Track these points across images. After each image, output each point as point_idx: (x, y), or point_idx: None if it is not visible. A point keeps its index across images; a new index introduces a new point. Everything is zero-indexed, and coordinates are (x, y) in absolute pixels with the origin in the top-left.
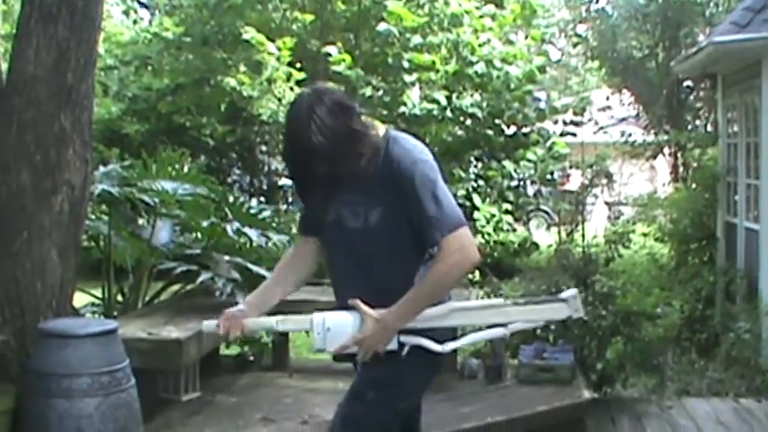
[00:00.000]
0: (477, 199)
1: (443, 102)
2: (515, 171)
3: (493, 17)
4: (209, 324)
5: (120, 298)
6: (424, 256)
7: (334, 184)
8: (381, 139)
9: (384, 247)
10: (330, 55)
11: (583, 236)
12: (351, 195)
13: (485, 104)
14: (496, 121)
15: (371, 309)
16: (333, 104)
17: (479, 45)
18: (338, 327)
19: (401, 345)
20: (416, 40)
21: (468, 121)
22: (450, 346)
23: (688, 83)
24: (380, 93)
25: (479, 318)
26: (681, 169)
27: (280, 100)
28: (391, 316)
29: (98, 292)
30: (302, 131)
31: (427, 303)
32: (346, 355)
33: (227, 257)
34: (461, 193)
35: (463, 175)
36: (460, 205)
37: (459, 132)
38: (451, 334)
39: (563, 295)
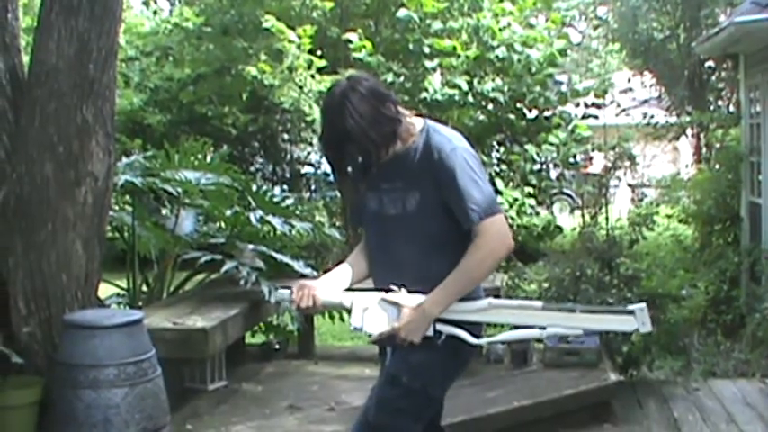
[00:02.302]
0: (499, 183)
1: (465, 87)
2: (538, 155)
3: (513, 1)
4: (282, 292)
5: (144, 288)
6: (461, 243)
7: (366, 169)
8: (418, 129)
9: (421, 234)
10: (351, 42)
11: (606, 218)
12: (390, 183)
13: (506, 89)
14: (518, 106)
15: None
16: (366, 91)
17: (500, 29)
18: (377, 310)
19: (437, 333)
20: (437, 25)
21: (490, 106)
22: (485, 339)
23: (710, 63)
24: (402, 79)
25: (519, 318)
26: (704, 150)
27: (301, 88)
28: (428, 303)
29: (123, 283)
30: (336, 116)
31: (465, 289)
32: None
33: (251, 246)
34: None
35: (486, 159)
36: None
37: (481, 117)
38: (479, 327)
39: (631, 307)
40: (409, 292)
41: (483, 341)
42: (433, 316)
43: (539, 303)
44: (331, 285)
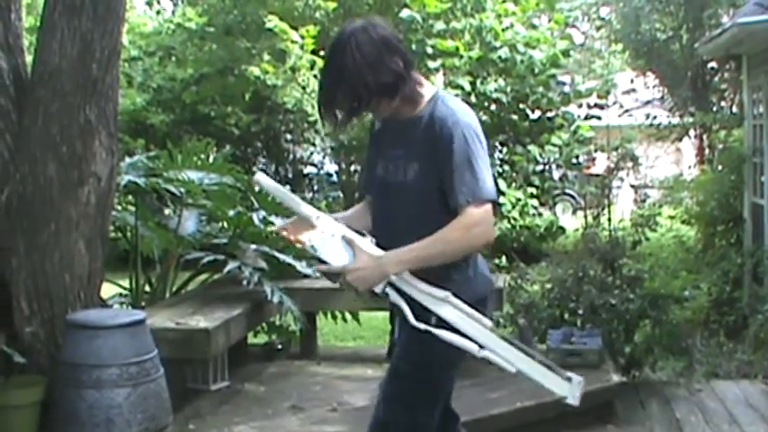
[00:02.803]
0: (502, 184)
1: (467, 87)
2: (540, 155)
3: (516, 2)
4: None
5: (147, 288)
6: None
7: (351, 115)
8: (427, 97)
9: (416, 204)
10: None
11: (609, 219)
12: (395, 150)
13: (509, 89)
14: (521, 106)
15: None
16: (377, 36)
17: (503, 30)
18: (339, 244)
19: (384, 292)
20: (440, 26)
21: (493, 107)
22: (424, 326)
23: (712, 64)
24: None
25: (466, 326)
26: (706, 151)
27: (304, 88)
28: (387, 259)
29: (126, 283)
30: (337, 51)
31: (429, 260)
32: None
33: (253, 246)
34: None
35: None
36: None
37: (484, 117)
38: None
39: (570, 375)
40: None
41: (421, 326)
42: (387, 273)
43: (489, 323)
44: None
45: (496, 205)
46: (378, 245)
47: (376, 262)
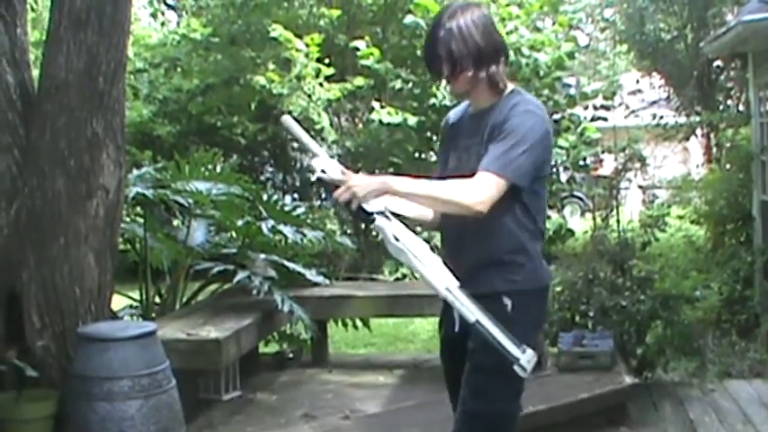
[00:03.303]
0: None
1: None
2: None
3: (519, 5)
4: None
5: (157, 300)
6: (523, 205)
7: (449, 75)
8: (507, 88)
9: None
10: (358, 49)
11: (618, 221)
12: (468, 140)
13: None
14: None
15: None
16: (479, 19)
17: (507, 33)
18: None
19: (377, 213)
20: None
21: None
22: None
23: (718, 63)
24: (410, 85)
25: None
26: (714, 150)
27: (309, 96)
28: (390, 177)
29: (136, 295)
30: (440, 21)
31: (426, 196)
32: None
33: (262, 256)
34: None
35: None
36: None
37: None
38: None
39: (525, 348)
40: (473, 250)
41: (395, 244)
42: (387, 186)
43: (456, 282)
44: None
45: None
46: (448, 234)
47: (371, 179)
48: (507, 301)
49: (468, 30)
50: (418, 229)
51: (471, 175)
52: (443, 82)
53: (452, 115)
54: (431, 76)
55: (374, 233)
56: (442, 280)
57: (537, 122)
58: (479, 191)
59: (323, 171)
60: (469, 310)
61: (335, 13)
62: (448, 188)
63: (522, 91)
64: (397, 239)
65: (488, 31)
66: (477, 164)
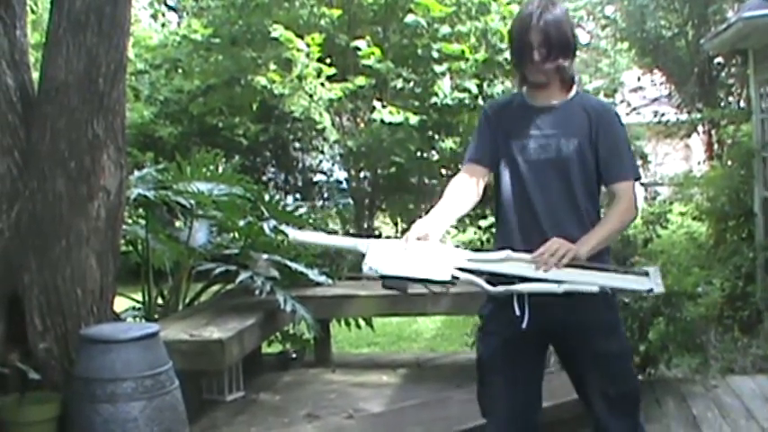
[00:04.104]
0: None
1: (475, 90)
2: None
3: (520, 3)
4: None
5: (160, 301)
6: (598, 195)
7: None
8: (572, 87)
9: (575, 176)
10: (359, 49)
11: None
12: (540, 131)
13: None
14: None
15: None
16: (566, 14)
17: (508, 32)
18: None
19: (454, 278)
20: (445, 29)
21: None
22: (503, 288)
23: (719, 60)
24: (411, 84)
25: (536, 273)
26: (715, 147)
27: (311, 96)
28: (579, 246)
29: (138, 296)
30: (531, 11)
31: (611, 237)
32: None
33: (265, 256)
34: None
35: None
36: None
37: None
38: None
39: (646, 269)
40: (559, 230)
41: (500, 289)
42: (580, 254)
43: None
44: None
45: None
46: (528, 221)
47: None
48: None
49: (561, 22)
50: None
51: (550, 162)
52: (529, 68)
53: (498, 105)
54: (516, 63)
55: (376, 233)
56: (551, 282)
57: (620, 119)
58: (634, 203)
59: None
60: (587, 283)
61: (336, 12)
62: (616, 221)
63: (582, 90)
64: (495, 285)
65: (572, 26)
66: (555, 155)
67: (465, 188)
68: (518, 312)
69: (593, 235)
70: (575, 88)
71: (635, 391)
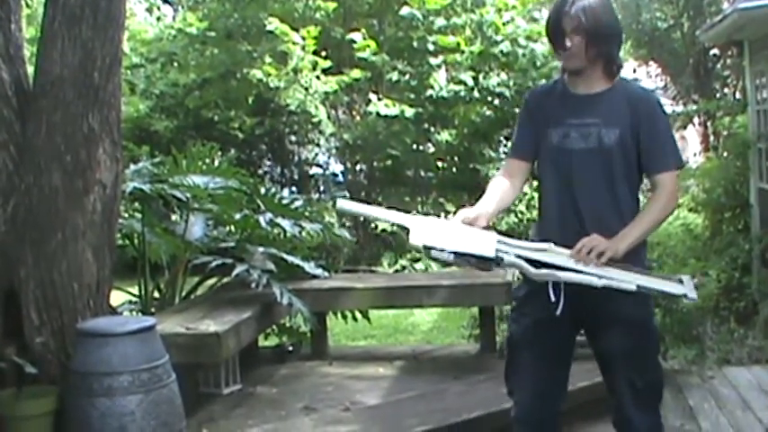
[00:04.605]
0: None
1: (470, 83)
2: None
3: None
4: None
5: (156, 294)
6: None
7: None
8: (617, 74)
9: (617, 166)
10: (355, 41)
11: None
12: (580, 119)
13: (512, 83)
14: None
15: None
16: (603, 2)
17: (503, 24)
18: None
19: (498, 258)
20: (440, 22)
21: (496, 101)
22: (545, 271)
23: (714, 51)
24: (407, 77)
25: (577, 265)
26: (711, 138)
27: (306, 89)
28: (618, 238)
29: (134, 290)
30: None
31: (651, 230)
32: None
33: (261, 249)
34: (492, 172)
35: (493, 154)
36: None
37: (488, 112)
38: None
39: (680, 276)
40: (599, 222)
41: (543, 272)
42: (618, 251)
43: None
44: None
45: None
46: (569, 208)
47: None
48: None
49: (595, 8)
50: None
51: (591, 151)
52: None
53: (539, 92)
54: (552, 49)
55: (372, 225)
56: (591, 275)
57: (663, 108)
58: (676, 192)
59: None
60: (626, 281)
61: (331, 5)
62: (657, 214)
63: (628, 79)
64: (537, 267)
65: (612, 12)
66: (596, 144)
67: (506, 185)
68: (553, 299)
69: (633, 230)
70: (618, 77)
71: (660, 383)
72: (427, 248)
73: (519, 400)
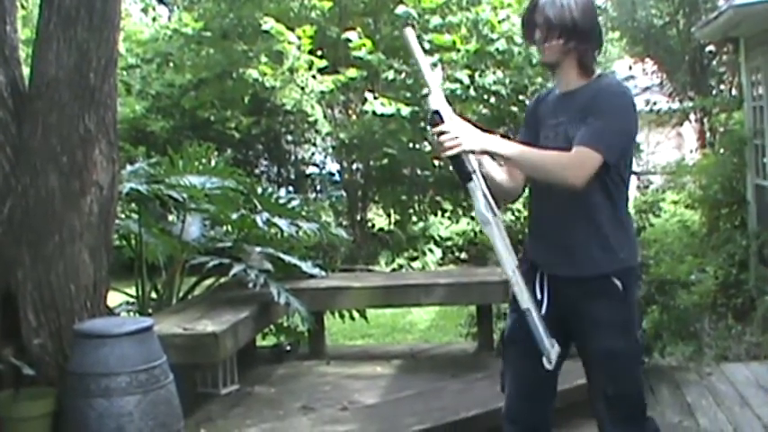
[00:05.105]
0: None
1: (466, 81)
2: None
3: None
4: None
5: (153, 295)
6: (618, 183)
7: (542, 41)
8: (596, 72)
9: None
10: (350, 41)
11: None
12: (555, 119)
13: (508, 81)
14: (520, 98)
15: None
16: (588, 4)
17: (499, 22)
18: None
19: (470, 171)
20: (436, 20)
21: (492, 99)
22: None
23: (710, 48)
24: (403, 75)
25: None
26: (708, 135)
27: (302, 89)
28: (496, 137)
29: (132, 291)
30: None
31: (528, 164)
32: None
33: (258, 249)
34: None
35: None
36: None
37: (484, 111)
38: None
39: (554, 342)
40: (566, 226)
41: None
42: (493, 146)
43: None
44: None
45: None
46: (543, 214)
47: (469, 128)
48: (617, 282)
49: (568, 4)
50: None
51: (557, 150)
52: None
53: (540, 97)
54: (524, 41)
55: (369, 224)
56: (511, 261)
57: (628, 105)
58: (579, 165)
59: (435, 111)
60: (523, 297)
61: (327, 4)
62: (550, 158)
63: (609, 75)
64: (488, 208)
65: (587, 10)
66: (564, 143)
67: (507, 174)
68: (539, 296)
69: (506, 143)
70: (597, 73)
71: (636, 396)
72: (436, 114)
73: (506, 398)
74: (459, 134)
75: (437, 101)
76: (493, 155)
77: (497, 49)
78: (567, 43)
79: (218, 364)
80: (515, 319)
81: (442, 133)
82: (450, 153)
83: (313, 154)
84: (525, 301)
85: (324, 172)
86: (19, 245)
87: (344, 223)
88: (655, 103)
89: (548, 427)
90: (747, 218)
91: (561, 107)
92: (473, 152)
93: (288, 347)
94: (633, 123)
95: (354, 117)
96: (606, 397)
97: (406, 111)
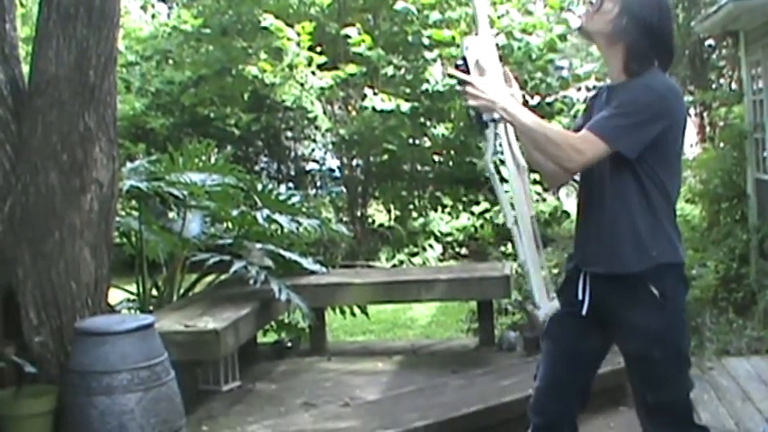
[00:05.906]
0: (504, 171)
1: None
2: None
3: None
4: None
5: (154, 292)
6: (657, 185)
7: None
8: (648, 69)
9: (623, 160)
10: (350, 37)
11: None
12: (598, 112)
13: None
14: None
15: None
16: (665, 6)
17: (498, 17)
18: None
19: (487, 122)
20: (435, 16)
21: None
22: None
23: (710, 42)
24: (402, 71)
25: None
26: (708, 129)
27: (302, 85)
28: (509, 98)
29: (133, 288)
30: None
31: (531, 132)
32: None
33: (258, 245)
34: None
35: None
36: (486, 179)
37: None
38: None
39: (554, 296)
40: (610, 225)
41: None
42: (500, 104)
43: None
44: None
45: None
46: (581, 212)
47: (497, 89)
48: (653, 288)
49: (638, 20)
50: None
51: None
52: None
53: (599, 90)
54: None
55: (370, 220)
56: (511, 214)
57: (655, 101)
58: (576, 149)
59: (463, 58)
60: (523, 248)
61: (326, 0)
62: (551, 136)
63: (656, 73)
64: (511, 158)
65: (663, 10)
66: None
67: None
68: (580, 297)
69: (525, 112)
70: (649, 69)
71: (679, 404)
72: (463, 61)
73: (535, 389)
74: (479, 90)
75: (476, 48)
76: (503, 115)
77: (497, 44)
78: (620, 18)
79: (219, 360)
80: (557, 316)
81: (463, 83)
82: (466, 104)
83: (313, 150)
84: (522, 252)
85: (324, 168)
86: (19, 243)
87: (345, 219)
88: None
89: (573, 423)
90: (748, 212)
91: (607, 101)
92: (485, 109)
93: (289, 344)
94: (659, 119)
95: (354, 113)
96: (646, 403)
97: (405, 106)
